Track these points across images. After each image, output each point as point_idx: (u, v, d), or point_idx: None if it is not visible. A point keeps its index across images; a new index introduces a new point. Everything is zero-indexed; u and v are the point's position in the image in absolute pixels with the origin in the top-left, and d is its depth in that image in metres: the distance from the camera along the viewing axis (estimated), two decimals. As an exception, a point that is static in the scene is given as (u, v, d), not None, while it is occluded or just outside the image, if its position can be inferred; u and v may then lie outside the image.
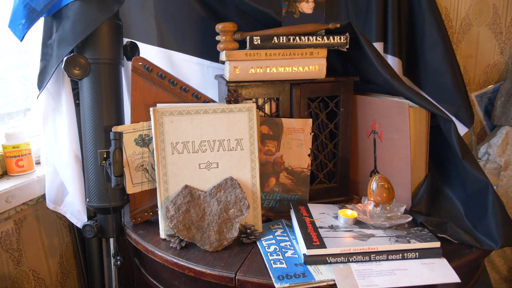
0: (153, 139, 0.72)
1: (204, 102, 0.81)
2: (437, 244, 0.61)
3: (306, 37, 0.76)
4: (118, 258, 0.81)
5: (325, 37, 0.76)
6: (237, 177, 0.74)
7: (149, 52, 0.95)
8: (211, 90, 0.97)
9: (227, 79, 0.78)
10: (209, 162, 0.74)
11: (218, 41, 0.79)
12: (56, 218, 0.93)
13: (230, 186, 0.73)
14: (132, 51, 0.89)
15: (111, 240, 0.84)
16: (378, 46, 0.94)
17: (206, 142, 0.74)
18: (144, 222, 0.80)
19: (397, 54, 0.96)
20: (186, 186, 0.73)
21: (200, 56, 0.96)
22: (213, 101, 0.80)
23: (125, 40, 0.89)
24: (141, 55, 0.90)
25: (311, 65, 0.78)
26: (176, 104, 0.76)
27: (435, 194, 0.74)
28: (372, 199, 0.71)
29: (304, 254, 0.60)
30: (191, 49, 0.96)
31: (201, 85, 0.98)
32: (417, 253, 0.61)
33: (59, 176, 0.83)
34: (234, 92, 0.77)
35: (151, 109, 0.73)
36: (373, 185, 0.73)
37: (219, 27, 0.79)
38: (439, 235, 0.66)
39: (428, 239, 0.63)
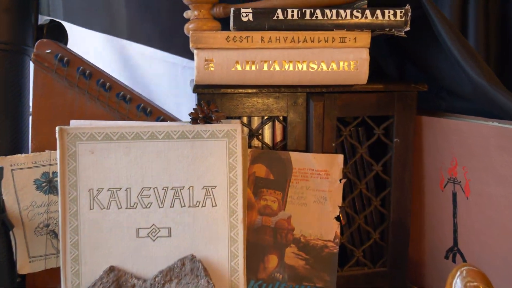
0: (58, 181, 0.63)
1: (157, 120, 0.72)
2: None
3: (335, 11, 0.65)
4: None
5: (368, 12, 0.65)
6: (203, 256, 0.64)
7: (89, 41, 0.93)
8: (187, 103, 0.92)
9: (194, 81, 0.67)
10: (155, 226, 0.64)
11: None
12: None
13: (190, 273, 0.63)
14: (52, 35, 0.81)
15: None
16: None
17: (151, 190, 0.64)
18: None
19: (483, 51, 0.88)
20: (112, 269, 0.63)
21: (171, 51, 0.93)
22: (176, 120, 0.73)
23: (44, 19, 0.85)
24: (72, 44, 0.83)
25: (342, 61, 0.67)
26: (103, 122, 0.67)
27: None
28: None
29: None
30: (156, 39, 0.93)
31: (171, 95, 0.97)
32: None
33: None
34: (204, 105, 0.64)
35: (57, 128, 0.63)
36: (457, 283, 0.57)
37: None
38: None
39: None
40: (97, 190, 0.64)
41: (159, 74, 0.95)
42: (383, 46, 0.85)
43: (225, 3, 0.71)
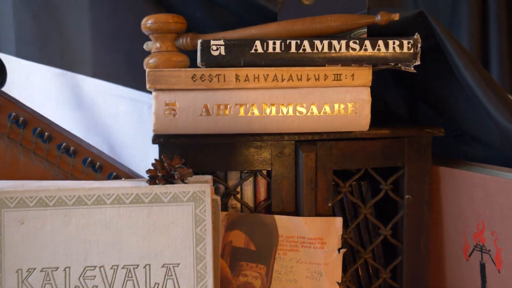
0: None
1: (109, 177, 0.69)
2: None
3: (326, 42, 0.63)
4: None
5: (367, 43, 0.63)
6: None
7: (37, 76, 0.92)
8: (156, 147, 0.84)
9: (152, 130, 0.64)
10: (102, 317, 0.59)
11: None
12: None
13: None
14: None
15: None
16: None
17: (96, 270, 0.60)
18: None
19: (509, 88, 0.92)
20: None
21: (136, 86, 0.92)
22: (135, 176, 0.71)
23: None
24: (17, 82, 0.84)
25: (337, 103, 0.64)
26: (38, 182, 0.63)
27: None
28: None
29: None
30: (119, 73, 0.92)
31: (136, 138, 0.94)
32: None
33: None
34: (165, 160, 0.61)
35: (-22, 192, 0.58)
36: None
37: (147, 22, 0.67)
38: None
39: None
40: (27, 271, 0.60)
41: (122, 113, 0.94)
42: (389, 79, 0.84)
43: (193, 32, 0.68)
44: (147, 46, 0.70)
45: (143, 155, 0.92)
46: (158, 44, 0.67)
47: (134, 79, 0.90)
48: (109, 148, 0.90)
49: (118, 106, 0.93)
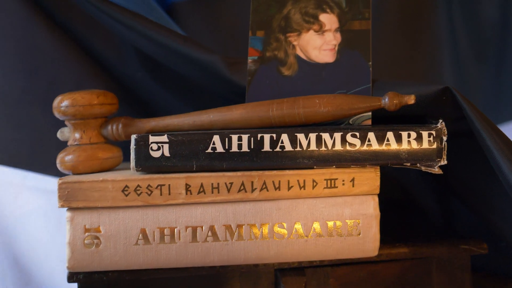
0: None
1: None
2: None
3: (314, 136, 0.62)
4: None
5: (371, 136, 0.62)
6: None
7: None
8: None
9: (66, 268, 0.62)
10: None
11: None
12: None
13: None
14: None
15: None
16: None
17: None
18: None
19: None
20: None
21: (48, 172, 0.91)
22: None
23: None
24: None
25: (332, 220, 0.63)
26: None
27: None
28: None
29: None
30: (29, 157, 0.92)
31: (49, 241, 0.92)
32: None
33: None
34: None
35: None
36: None
37: (61, 104, 0.65)
38: None
39: None
40: None
41: (29, 211, 0.91)
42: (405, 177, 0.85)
43: (128, 116, 0.66)
44: (62, 134, 0.68)
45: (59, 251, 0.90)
46: (77, 135, 0.65)
47: (47, 163, 0.89)
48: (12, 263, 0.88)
49: (27, 199, 0.91)
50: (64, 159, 0.64)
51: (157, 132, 0.64)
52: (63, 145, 0.74)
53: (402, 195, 0.87)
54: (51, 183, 0.91)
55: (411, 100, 0.59)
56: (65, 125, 0.68)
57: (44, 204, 0.92)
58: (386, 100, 0.59)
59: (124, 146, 0.68)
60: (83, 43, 0.90)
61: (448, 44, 1.03)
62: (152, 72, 0.87)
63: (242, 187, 0.60)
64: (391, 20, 1.03)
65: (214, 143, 0.59)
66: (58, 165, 0.66)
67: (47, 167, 0.91)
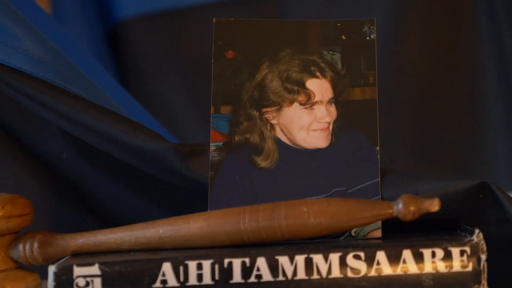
0: None
1: None
2: None
3: (303, 259, 0.53)
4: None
5: (382, 256, 0.53)
6: None
7: None
8: None
9: None
10: None
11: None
12: None
13: None
14: None
15: None
16: None
17: None
18: None
19: None
20: None
21: None
22: None
23: None
24: None
25: None
26: None
27: None
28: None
29: None
30: None
31: None
32: None
33: None
34: None
35: None
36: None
37: None
38: None
39: None
40: None
41: None
42: None
43: (46, 231, 0.57)
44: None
45: None
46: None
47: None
48: None
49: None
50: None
51: (87, 252, 0.51)
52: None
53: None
54: None
55: (434, 206, 0.47)
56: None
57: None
58: (400, 206, 0.47)
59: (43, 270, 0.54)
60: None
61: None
62: (80, 150, 0.76)
63: None
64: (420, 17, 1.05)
65: (164, 274, 0.46)
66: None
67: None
